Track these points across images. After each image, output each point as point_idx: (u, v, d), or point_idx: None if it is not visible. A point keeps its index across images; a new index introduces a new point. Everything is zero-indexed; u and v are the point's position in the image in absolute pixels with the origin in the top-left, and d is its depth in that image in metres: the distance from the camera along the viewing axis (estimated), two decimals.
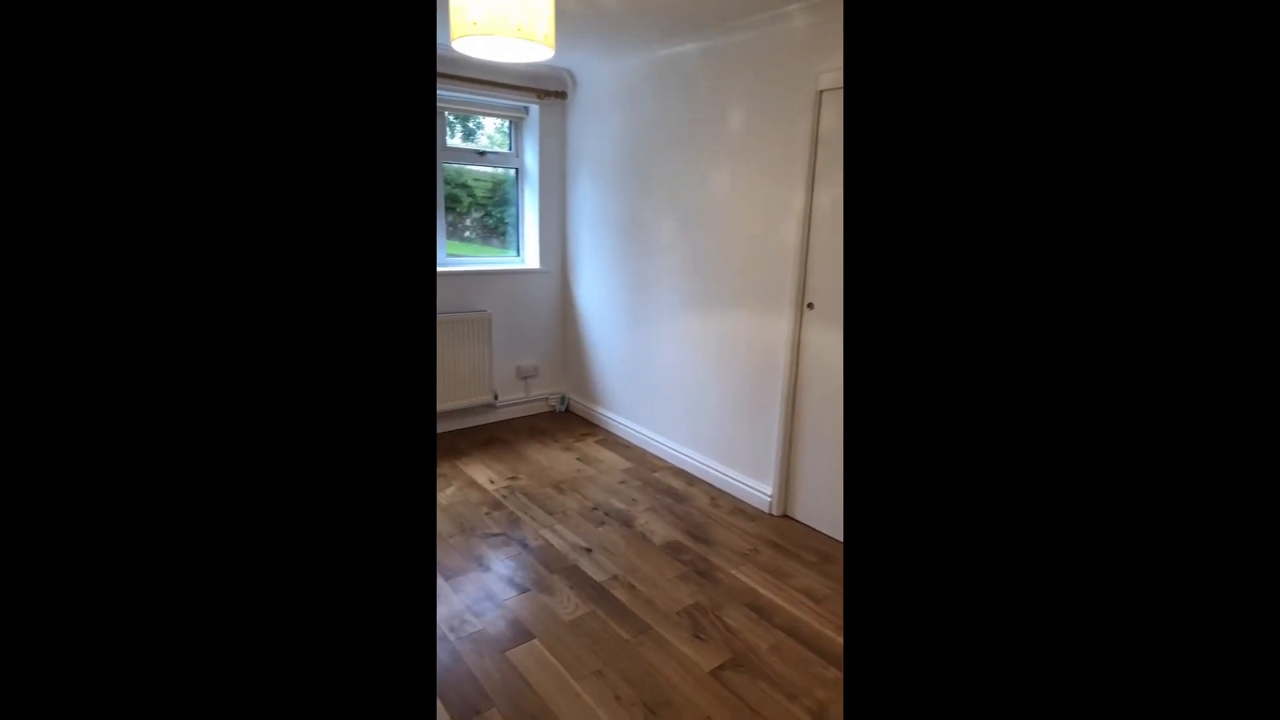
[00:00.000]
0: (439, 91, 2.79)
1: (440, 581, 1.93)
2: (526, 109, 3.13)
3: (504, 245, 3.35)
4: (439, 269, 2.99)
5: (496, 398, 3.21)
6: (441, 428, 3.08)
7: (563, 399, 3.48)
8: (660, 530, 2.28)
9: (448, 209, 3.08)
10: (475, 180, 3.20)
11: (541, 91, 3.02)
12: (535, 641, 1.69)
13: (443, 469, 2.69)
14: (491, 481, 2.61)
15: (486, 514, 2.35)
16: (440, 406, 2.98)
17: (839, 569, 2.06)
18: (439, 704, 1.47)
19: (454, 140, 3.04)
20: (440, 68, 2.71)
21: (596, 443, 3.06)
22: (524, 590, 1.91)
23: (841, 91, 1.99)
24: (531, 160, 3.20)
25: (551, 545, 2.16)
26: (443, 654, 1.63)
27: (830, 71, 2.03)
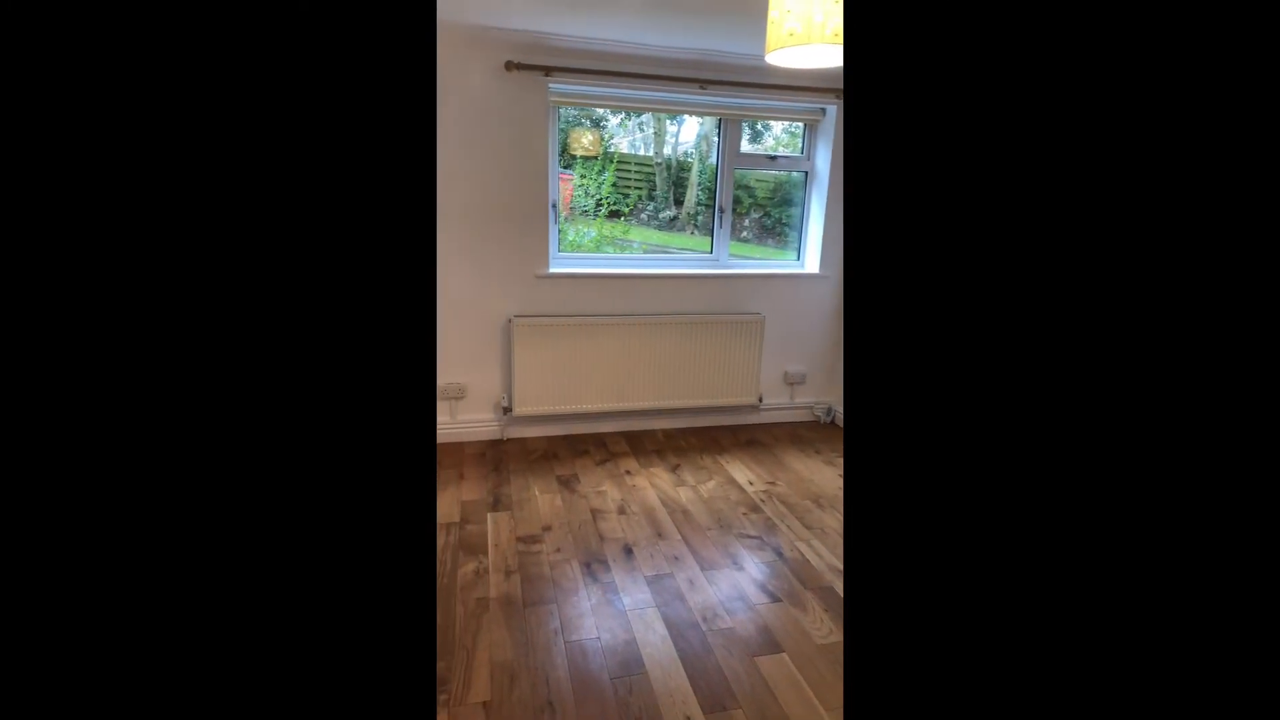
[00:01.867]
0: (737, 101, 2.88)
1: (696, 570, 2.03)
2: (823, 110, 3.05)
3: (780, 246, 3.34)
4: (718, 270, 3.11)
5: (761, 400, 3.24)
6: (704, 422, 3.21)
7: (829, 410, 3.35)
8: None
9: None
10: (757, 181, 3.24)
11: (841, 91, 2.92)
12: (785, 655, 1.67)
13: (704, 462, 2.81)
14: (750, 483, 2.64)
15: (744, 514, 2.39)
16: (704, 402, 3.12)
17: None
18: (688, 686, 1.55)
19: (745, 146, 3.11)
20: (740, 77, 2.80)
21: None
22: (775, 600, 1.90)
23: None
24: (823, 163, 3.11)
25: (807, 560, 2.10)
26: (694, 641, 1.71)
27: None
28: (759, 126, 3.19)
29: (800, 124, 3.14)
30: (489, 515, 2.32)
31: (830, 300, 3.26)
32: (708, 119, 3.07)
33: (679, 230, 3.31)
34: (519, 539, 2.17)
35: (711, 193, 3.14)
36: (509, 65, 2.54)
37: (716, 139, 3.07)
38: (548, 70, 2.59)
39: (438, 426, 2.89)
